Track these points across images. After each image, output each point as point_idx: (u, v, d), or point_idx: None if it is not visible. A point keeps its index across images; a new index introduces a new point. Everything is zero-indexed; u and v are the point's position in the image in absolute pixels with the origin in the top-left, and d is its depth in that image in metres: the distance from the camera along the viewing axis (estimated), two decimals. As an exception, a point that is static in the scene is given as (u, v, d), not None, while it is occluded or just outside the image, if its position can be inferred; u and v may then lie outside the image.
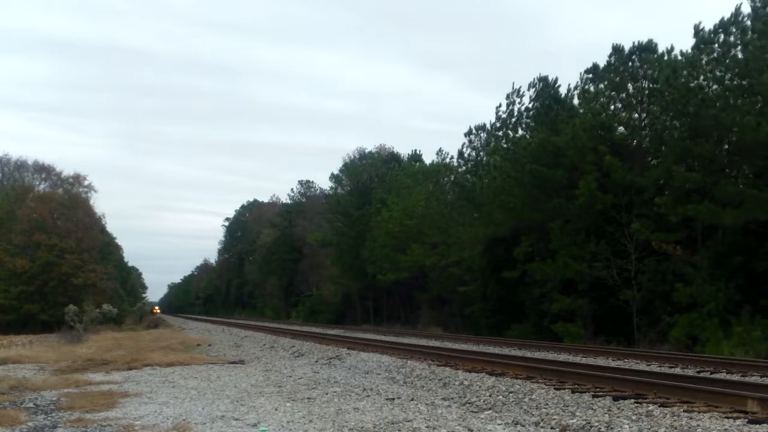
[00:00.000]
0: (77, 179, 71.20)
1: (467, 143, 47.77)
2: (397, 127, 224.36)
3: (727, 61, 28.41)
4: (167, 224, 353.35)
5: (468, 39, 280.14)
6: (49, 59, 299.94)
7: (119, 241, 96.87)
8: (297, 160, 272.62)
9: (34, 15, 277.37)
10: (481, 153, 46.09)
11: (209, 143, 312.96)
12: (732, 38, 28.82)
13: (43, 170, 78.19)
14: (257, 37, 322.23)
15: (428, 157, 65.24)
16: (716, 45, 29.02)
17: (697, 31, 29.75)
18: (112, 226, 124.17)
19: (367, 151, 75.89)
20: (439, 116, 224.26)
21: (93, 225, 68.49)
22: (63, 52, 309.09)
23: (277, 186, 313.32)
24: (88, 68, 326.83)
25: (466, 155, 47.92)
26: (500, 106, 43.38)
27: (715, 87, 28.37)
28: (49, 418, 11.00)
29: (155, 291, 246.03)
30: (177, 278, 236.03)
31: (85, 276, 61.88)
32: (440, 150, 55.52)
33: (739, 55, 28.24)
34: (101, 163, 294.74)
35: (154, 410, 11.78)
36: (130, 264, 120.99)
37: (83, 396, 13.69)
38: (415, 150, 70.01)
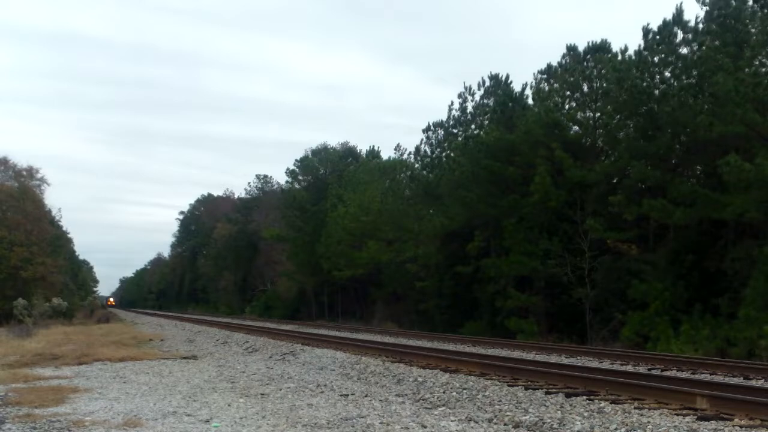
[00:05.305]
0: (30, 172, 69.87)
1: (425, 140, 47.89)
2: (359, 121, 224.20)
3: (671, 59, 28.81)
4: (120, 217, 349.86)
5: (433, 32, 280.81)
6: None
7: (70, 234, 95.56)
8: (255, 153, 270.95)
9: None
10: (438, 150, 46.15)
11: (165, 134, 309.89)
12: (678, 38, 29.31)
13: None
14: (215, 25, 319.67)
15: (388, 152, 65.32)
16: (662, 45, 29.42)
17: (646, 32, 30.13)
18: (62, 219, 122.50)
19: (329, 146, 75.37)
20: (402, 110, 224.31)
21: (43, 217, 67.21)
22: (16, 40, 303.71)
23: (235, 179, 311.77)
24: (41, 56, 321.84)
25: (422, 152, 48.04)
26: (452, 104, 43.79)
27: (663, 86, 28.67)
28: (-4, 414, 10.78)
29: (107, 285, 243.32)
30: (129, 272, 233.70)
31: (34, 269, 60.61)
32: (398, 145, 55.62)
33: (683, 54, 28.71)
34: (52, 154, 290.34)
35: (104, 406, 11.62)
36: (81, 257, 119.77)
37: (32, 391, 13.47)
38: (374, 146, 69.90)
